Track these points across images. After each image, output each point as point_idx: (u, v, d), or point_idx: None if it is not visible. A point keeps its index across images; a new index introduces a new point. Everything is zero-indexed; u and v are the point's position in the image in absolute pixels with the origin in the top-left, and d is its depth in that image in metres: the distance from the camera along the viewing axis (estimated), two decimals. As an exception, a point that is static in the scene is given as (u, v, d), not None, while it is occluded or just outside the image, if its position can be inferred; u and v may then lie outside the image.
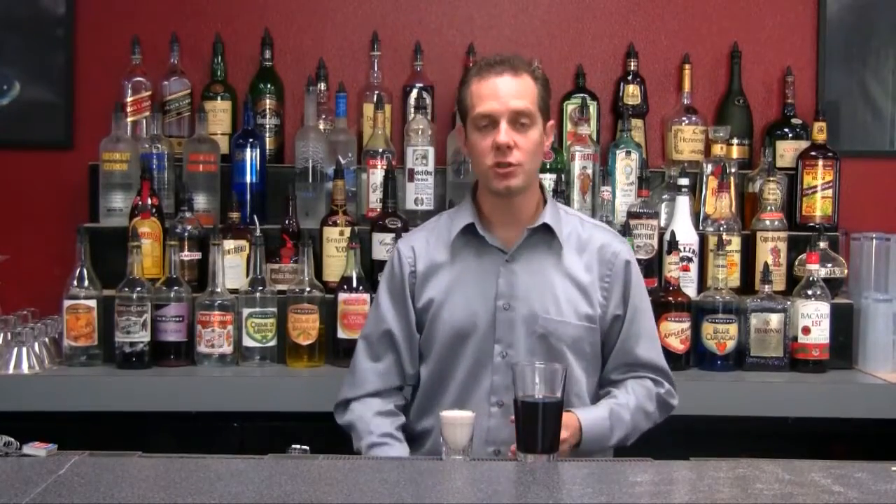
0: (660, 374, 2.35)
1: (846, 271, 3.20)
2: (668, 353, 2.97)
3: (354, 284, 2.95)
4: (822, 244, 3.13)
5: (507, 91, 2.20)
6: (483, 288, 2.27)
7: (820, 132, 3.28)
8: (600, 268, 2.31)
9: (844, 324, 3.08)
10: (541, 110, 2.24)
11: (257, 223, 3.08)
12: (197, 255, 3.07)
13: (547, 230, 2.29)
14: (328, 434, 2.35)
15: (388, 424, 2.30)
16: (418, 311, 2.32)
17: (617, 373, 2.33)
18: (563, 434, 2.02)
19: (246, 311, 2.96)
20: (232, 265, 3.04)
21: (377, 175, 3.15)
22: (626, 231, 3.01)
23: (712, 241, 3.09)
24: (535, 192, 2.31)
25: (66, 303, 2.93)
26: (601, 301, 2.30)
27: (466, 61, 3.39)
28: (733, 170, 3.30)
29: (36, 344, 2.89)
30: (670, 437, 2.37)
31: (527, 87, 2.22)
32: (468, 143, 2.27)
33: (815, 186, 3.28)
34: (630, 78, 3.45)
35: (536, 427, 1.92)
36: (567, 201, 3.18)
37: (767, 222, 3.18)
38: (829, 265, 3.14)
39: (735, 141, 3.40)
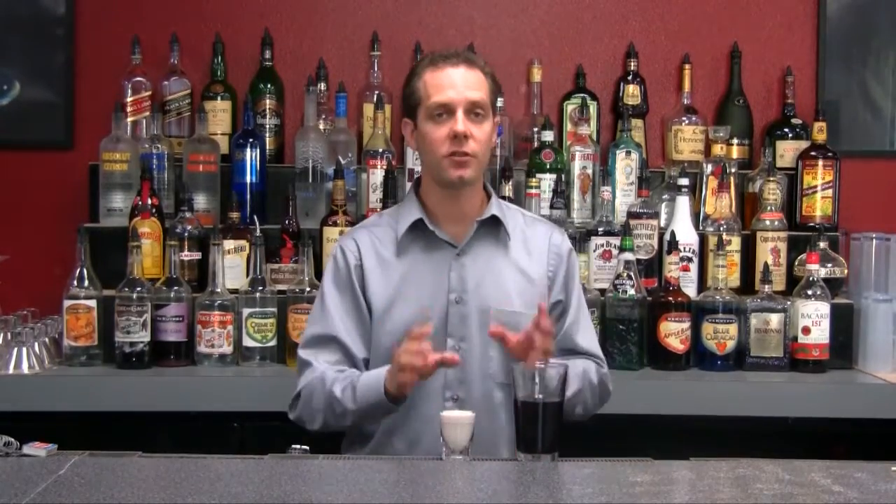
0: (598, 359, 2.37)
1: (846, 271, 3.20)
2: (669, 354, 3.00)
3: (354, 284, 2.94)
4: (822, 244, 3.12)
5: (463, 82, 2.22)
6: (434, 282, 2.27)
7: (820, 132, 3.28)
8: (546, 258, 2.34)
9: (844, 324, 3.08)
10: (492, 105, 2.27)
11: (257, 223, 3.08)
12: (197, 255, 3.07)
13: (494, 223, 2.31)
14: (328, 434, 2.34)
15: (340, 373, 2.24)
16: (370, 306, 2.28)
17: (560, 358, 2.29)
18: None
19: (246, 311, 2.96)
20: (232, 265, 3.04)
21: (377, 175, 3.15)
22: (626, 231, 3.01)
23: (712, 241, 3.09)
24: (480, 187, 2.34)
25: (66, 303, 2.93)
26: (546, 289, 2.32)
27: (466, 61, 3.39)
28: (733, 170, 3.30)
29: (36, 344, 2.89)
30: (670, 438, 2.37)
31: (480, 79, 2.24)
32: (418, 134, 2.26)
33: (815, 186, 3.28)
34: (630, 78, 3.44)
35: (536, 427, 1.92)
36: (567, 202, 3.18)
37: (767, 222, 3.18)
38: (829, 265, 3.14)
39: (735, 141, 3.39)
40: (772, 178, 3.19)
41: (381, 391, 2.13)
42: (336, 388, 2.19)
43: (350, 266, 2.31)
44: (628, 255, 3.00)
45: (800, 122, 3.44)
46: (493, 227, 2.31)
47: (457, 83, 2.21)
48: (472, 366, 2.25)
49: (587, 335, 2.38)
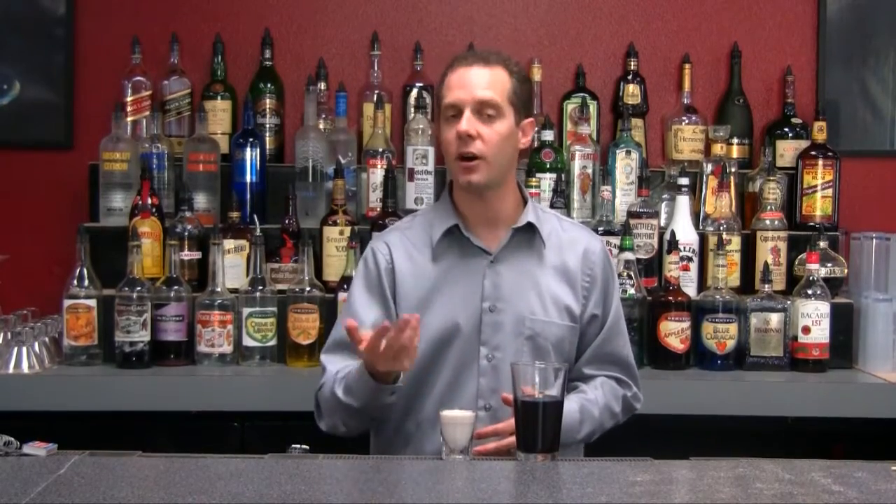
0: (629, 375, 2.35)
1: (846, 271, 3.20)
2: (669, 353, 3.00)
3: (354, 284, 2.94)
4: (822, 244, 3.12)
5: (474, 81, 2.17)
6: (468, 290, 2.24)
7: (820, 132, 3.28)
8: (581, 267, 2.29)
9: (844, 323, 3.08)
10: (513, 105, 2.20)
11: (257, 223, 3.08)
12: (197, 255, 3.07)
13: (529, 230, 2.27)
14: (328, 434, 2.34)
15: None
16: (399, 311, 2.25)
17: (591, 367, 2.31)
18: None
19: (246, 311, 2.96)
20: (232, 265, 3.04)
21: (377, 175, 3.15)
22: (626, 230, 3.01)
23: (712, 240, 3.09)
24: (511, 191, 2.28)
25: (66, 302, 2.93)
26: (582, 301, 2.29)
27: (466, 61, 3.39)
28: (733, 169, 3.30)
29: (36, 344, 2.89)
30: (670, 437, 2.37)
31: (497, 78, 2.19)
32: (440, 134, 2.26)
33: (815, 186, 3.28)
34: (630, 77, 3.45)
35: (536, 427, 1.92)
36: (567, 201, 3.18)
37: (767, 222, 3.18)
38: (829, 265, 3.14)
39: (735, 140, 3.40)
40: (772, 178, 3.20)
41: (370, 380, 2.09)
42: (339, 391, 2.18)
43: (381, 269, 2.28)
44: (628, 255, 3.00)
45: (800, 121, 3.44)
46: (528, 234, 2.27)
47: (466, 83, 2.18)
48: (506, 375, 2.18)
49: (623, 344, 2.35)
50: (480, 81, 2.18)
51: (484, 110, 2.17)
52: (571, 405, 2.21)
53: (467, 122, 2.16)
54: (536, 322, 2.24)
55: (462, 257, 2.26)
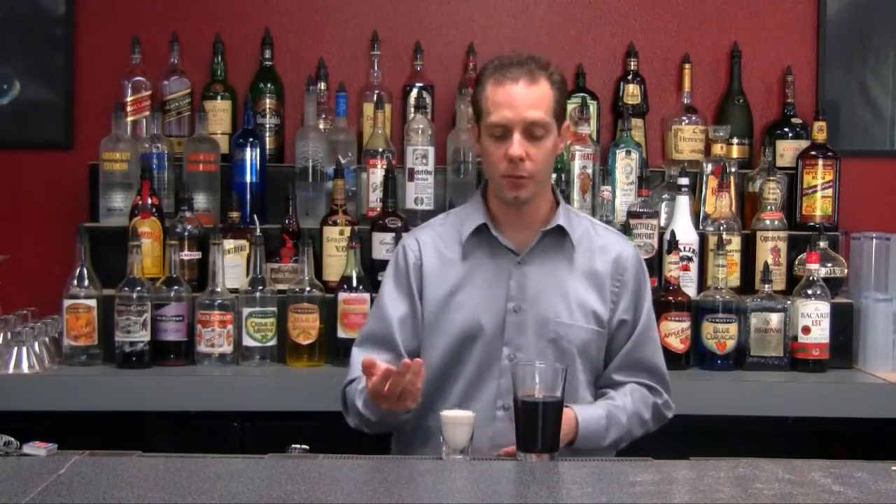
0: (660, 382, 2.34)
1: (846, 271, 3.20)
2: (668, 353, 2.97)
3: (354, 284, 2.95)
4: (822, 244, 3.12)
5: (522, 101, 2.16)
6: (493, 289, 2.25)
7: (820, 132, 3.28)
8: (612, 272, 2.29)
9: (844, 324, 3.08)
10: (556, 116, 2.20)
11: (257, 223, 3.08)
12: (197, 255, 3.07)
13: (560, 232, 2.27)
14: (328, 434, 2.34)
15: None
16: (425, 307, 2.28)
17: (621, 374, 2.32)
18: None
19: (246, 311, 2.96)
20: (232, 265, 3.04)
21: (377, 175, 3.15)
22: (626, 230, 3.01)
23: (712, 240, 3.09)
24: (546, 195, 2.29)
25: (66, 302, 2.93)
26: (610, 305, 2.29)
27: (466, 61, 3.39)
28: (733, 169, 3.30)
29: (36, 344, 2.89)
30: (670, 437, 2.37)
31: (543, 94, 2.18)
32: (482, 145, 2.24)
33: (815, 186, 3.28)
34: (630, 77, 3.44)
35: (536, 427, 1.92)
36: (567, 201, 3.16)
37: (767, 222, 3.18)
38: (829, 265, 3.14)
39: (735, 140, 3.40)
40: (772, 178, 3.19)
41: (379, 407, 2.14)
42: (359, 402, 2.22)
43: (409, 265, 2.30)
44: (628, 255, 3.00)
45: (800, 121, 3.44)
46: (559, 236, 2.27)
47: (515, 102, 2.15)
48: None
49: (654, 351, 2.34)
50: (529, 100, 2.16)
51: (533, 130, 2.16)
52: (597, 411, 2.22)
53: (519, 146, 2.15)
54: (561, 325, 2.24)
55: (490, 257, 2.27)
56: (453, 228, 2.31)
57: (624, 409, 2.25)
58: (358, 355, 2.27)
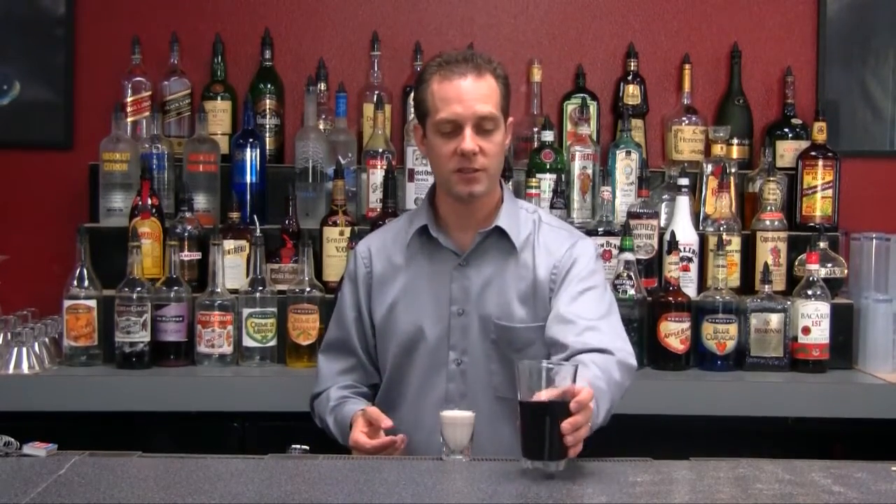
0: (606, 340, 2.11)
1: (846, 271, 3.20)
2: (669, 354, 3.00)
3: (354, 284, 2.94)
4: (822, 244, 3.12)
5: (471, 95, 2.11)
6: (436, 292, 2.22)
7: (820, 132, 3.28)
8: (553, 267, 2.22)
9: (844, 324, 3.08)
10: (503, 110, 2.17)
11: (257, 223, 3.08)
12: (197, 255, 3.07)
13: (501, 233, 2.23)
14: (329, 434, 2.34)
15: (344, 390, 2.30)
16: (375, 315, 2.28)
17: (555, 330, 2.13)
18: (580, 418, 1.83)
19: (246, 311, 2.96)
20: (232, 265, 3.04)
21: (377, 175, 3.15)
22: (626, 231, 3.01)
23: (712, 241, 3.09)
24: (494, 193, 2.25)
25: (66, 303, 2.93)
26: (550, 295, 2.21)
27: (466, 61, 3.39)
28: (733, 170, 3.30)
29: (36, 344, 2.89)
30: (670, 437, 2.37)
31: (490, 89, 2.14)
32: (428, 144, 2.20)
33: (815, 186, 3.28)
34: (630, 78, 3.45)
35: (543, 432, 1.82)
36: (567, 202, 3.18)
37: (767, 222, 3.18)
38: (829, 265, 3.14)
39: (735, 141, 3.40)
40: (772, 178, 3.19)
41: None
42: (329, 420, 2.27)
43: (359, 275, 2.31)
44: (628, 255, 3.00)
45: (800, 122, 3.44)
46: (501, 236, 2.24)
47: (464, 96, 2.12)
48: (474, 379, 2.21)
49: (590, 308, 2.15)
50: (477, 94, 2.13)
51: (483, 124, 2.13)
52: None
53: (471, 140, 2.12)
54: (502, 327, 2.21)
55: (431, 259, 2.25)
56: (403, 232, 2.29)
57: (598, 377, 2.02)
58: (324, 364, 2.35)
